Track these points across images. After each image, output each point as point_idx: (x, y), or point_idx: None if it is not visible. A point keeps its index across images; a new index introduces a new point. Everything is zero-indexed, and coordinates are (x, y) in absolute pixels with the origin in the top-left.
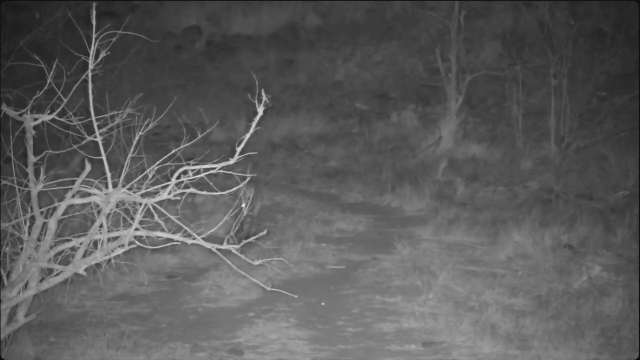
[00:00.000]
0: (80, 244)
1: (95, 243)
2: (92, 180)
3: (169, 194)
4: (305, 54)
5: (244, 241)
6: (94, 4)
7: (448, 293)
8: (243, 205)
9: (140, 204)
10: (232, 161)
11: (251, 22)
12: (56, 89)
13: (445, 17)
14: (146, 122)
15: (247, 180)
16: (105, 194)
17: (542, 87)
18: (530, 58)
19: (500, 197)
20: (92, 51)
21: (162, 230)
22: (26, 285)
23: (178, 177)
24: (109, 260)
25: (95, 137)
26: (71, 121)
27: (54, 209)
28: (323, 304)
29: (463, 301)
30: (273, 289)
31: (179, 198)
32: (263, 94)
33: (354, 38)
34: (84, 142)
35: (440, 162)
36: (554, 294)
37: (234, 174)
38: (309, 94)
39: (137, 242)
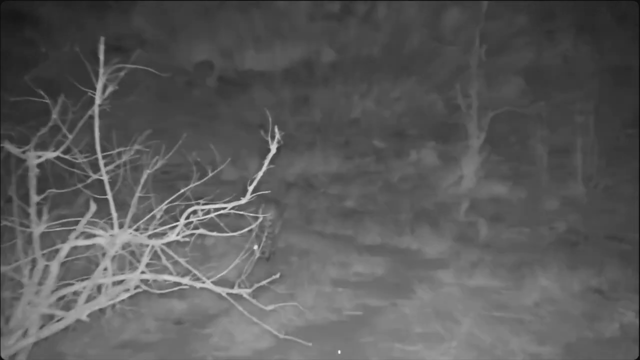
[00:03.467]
0: (84, 288)
1: (99, 287)
2: (97, 220)
3: (178, 235)
4: (321, 90)
5: (256, 285)
6: (102, 39)
7: (472, 341)
8: (255, 247)
9: (147, 245)
10: (243, 200)
11: (264, 58)
12: (61, 125)
13: (465, 52)
14: (154, 159)
15: (258, 221)
16: (111, 235)
17: (567, 124)
18: (554, 94)
19: (525, 238)
20: (99, 85)
21: (170, 273)
22: (26, 332)
23: (187, 218)
24: (114, 305)
25: (101, 175)
26: (76, 159)
27: (57, 251)
28: (340, 352)
29: (488, 349)
30: (286, 337)
31: (188, 239)
32: (276, 131)
33: (370, 74)
34: (89, 181)
35: (462, 202)
36: (583, 342)
37: (245, 214)
38: (325, 131)
39: (143, 286)
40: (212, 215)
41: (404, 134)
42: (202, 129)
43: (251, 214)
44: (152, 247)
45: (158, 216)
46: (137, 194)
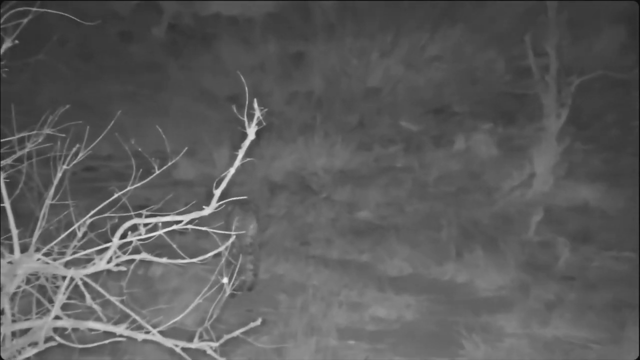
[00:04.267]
0: None
1: None
2: None
3: (109, 262)
4: (322, 45)
5: (227, 336)
6: None
7: None
8: (225, 280)
9: (64, 277)
10: (207, 210)
11: None
12: None
13: None
14: (74, 149)
15: (230, 240)
16: (9, 262)
17: None
18: None
19: (627, 267)
20: None
21: (98, 319)
22: None
23: (124, 236)
24: None
25: None
26: None
27: None
28: None
29: None
30: None
31: (124, 268)
32: (256, 106)
33: (396, 21)
34: None
35: (533, 213)
36: None
37: (210, 230)
38: (328, 107)
39: (58, 338)
40: (161, 232)
41: (446, 111)
42: (144, 104)
43: (219, 231)
44: (72, 279)
45: (80, 234)
46: (49, 201)
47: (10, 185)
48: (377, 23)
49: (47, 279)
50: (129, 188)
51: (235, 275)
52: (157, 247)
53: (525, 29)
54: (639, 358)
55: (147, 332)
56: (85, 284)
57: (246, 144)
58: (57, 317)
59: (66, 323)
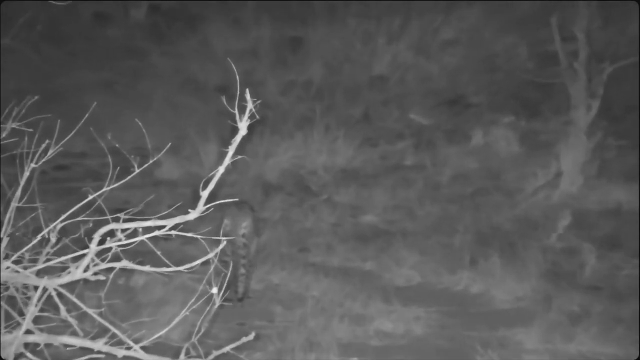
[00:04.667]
0: None
1: None
2: None
3: (86, 270)
4: (323, 28)
5: (216, 352)
6: None
7: None
8: (214, 290)
9: (36, 288)
10: (193, 214)
11: None
12: None
13: None
14: (43, 146)
15: (219, 247)
16: None
17: None
18: None
19: None
20: None
21: (74, 333)
22: None
23: (101, 242)
24: None
25: None
26: None
27: None
28: None
29: None
30: None
31: (102, 277)
32: (248, 97)
33: (406, 1)
34: None
35: (558, 217)
36: None
37: (197, 236)
38: (329, 98)
39: (29, 355)
40: (142, 238)
41: (461, 102)
42: (122, 94)
43: (207, 237)
44: (44, 289)
45: (53, 239)
46: (15, 203)
47: None
48: (385, 3)
49: (17, 290)
50: (105, 189)
51: (226, 284)
52: (139, 253)
53: (551, 10)
54: (638, 358)
55: (128, 348)
56: (60, 294)
57: (237, 139)
58: (28, 332)
59: (38, 338)
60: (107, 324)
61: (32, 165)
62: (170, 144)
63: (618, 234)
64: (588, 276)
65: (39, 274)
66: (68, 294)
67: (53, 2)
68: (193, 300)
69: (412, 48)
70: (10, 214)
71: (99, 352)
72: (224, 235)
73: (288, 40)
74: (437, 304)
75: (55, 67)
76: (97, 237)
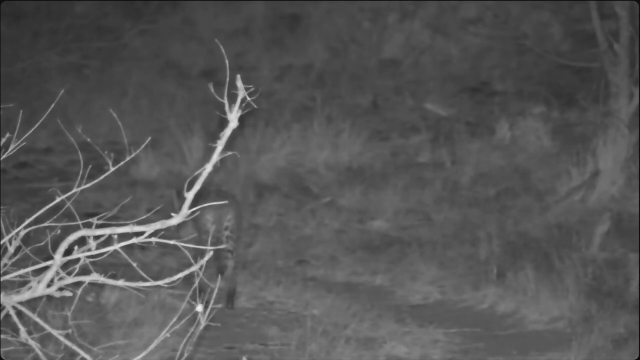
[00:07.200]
0: None
1: None
2: None
3: (50, 285)
4: (325, 4)
5: None
6: None
7: None
8: (199, 308)
9: None
10: (176, 219)
11: None
12: None
13: None
14: (3, 140)
15: (205, 257)
16: None
17: None
18: None
19: None
20: None
21: (36, 358)
22: None
23: (68, 252)
24: None
25: None
26: None
27: None
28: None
29: None
30: None
31: (69, 293)
32: (239, 84)
33: None
34: None
35: (597, 223)
36: None
37: (180, 244)
38: (332, 84)
39: None
40: (116, 247)
41: (485, 89)
42: (93, 80)
43: (191, 245)
44: (3, 307)
45: (11, 249)
46: None
47: None
48: None
49: None
50: (74, 190)
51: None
52: (112, 266)
53: None
54: (638, 358)
55: None
56: (19, 313)
57: (227, 133)
58: None
59: None
60: (74, 348)
61: None
62: (149, 138)
63: None
64: (635, 292)
65: None
66: (29, 313)
67: None
68: (174, 320)
69: (428, 27)
70: None
71: None
72: (205, 233)
73: (285, 17)
74: (458, 325)
75: (15, 49)
76: (63, 246)
